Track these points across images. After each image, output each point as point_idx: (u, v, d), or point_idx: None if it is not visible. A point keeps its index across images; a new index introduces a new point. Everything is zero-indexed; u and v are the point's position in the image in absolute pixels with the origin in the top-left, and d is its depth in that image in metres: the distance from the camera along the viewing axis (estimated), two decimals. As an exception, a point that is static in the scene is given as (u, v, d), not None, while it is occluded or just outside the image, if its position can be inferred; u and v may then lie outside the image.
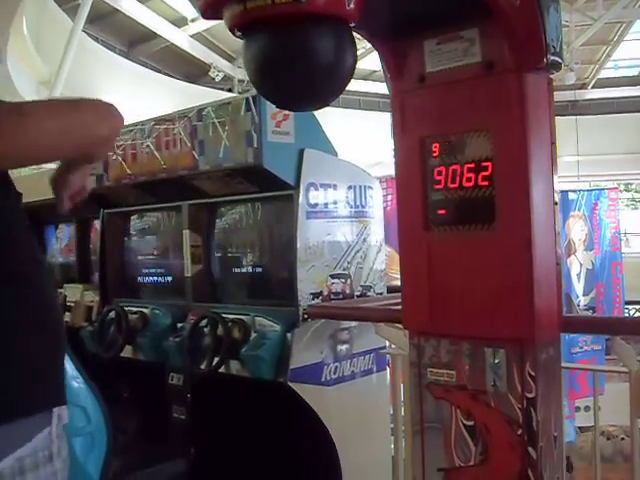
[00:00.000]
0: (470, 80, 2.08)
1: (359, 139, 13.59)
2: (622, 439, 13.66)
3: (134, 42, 17.62)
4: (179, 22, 17.08)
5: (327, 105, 1.79)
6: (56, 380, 1.55)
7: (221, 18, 1.68)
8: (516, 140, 1.99)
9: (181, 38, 17.52)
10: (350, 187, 3.38)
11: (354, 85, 17.51)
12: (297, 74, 1.63)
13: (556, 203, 2.11)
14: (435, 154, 2.17)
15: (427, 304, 2.19)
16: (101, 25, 16.07)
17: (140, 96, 13.97)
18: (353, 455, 3.24)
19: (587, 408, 8.74)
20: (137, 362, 3.87)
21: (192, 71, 19.08)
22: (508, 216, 2.01)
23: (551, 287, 2.10)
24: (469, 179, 2.09)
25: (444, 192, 2.15)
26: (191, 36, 17.70)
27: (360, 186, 3.43)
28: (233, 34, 1.69)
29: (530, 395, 2.03)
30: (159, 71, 17.77)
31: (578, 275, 10.98)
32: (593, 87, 20.74)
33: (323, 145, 3.28)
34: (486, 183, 2.05)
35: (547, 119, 2.08)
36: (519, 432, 2.04)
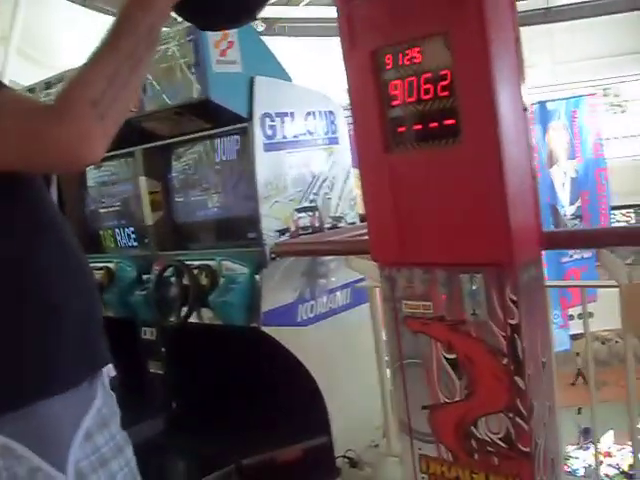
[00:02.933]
0: (421, -20, 1.86)
1: (317, 67, 13.28)
2: (616, 342, 13.79)
3: (90, -12, 17.07)
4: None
5: (255, 19, 1.57)
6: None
7: None
8: (476, 42, 1.78)
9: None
10: (309, 114, 3.17)
11: (313, 12, 17.07)
12: None
13: (525, 109, 1.91)
14: (389, 67, 1.96)
15: (395, 232, 2.02)
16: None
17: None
18: (339, 394, 3.12)
19: (580, 316, 8.67)
20: (110, 318, 3.71)
21: (153, 13, 18.53)
22: (473, 128, 1.83)
23: (527, 203, 1.93)
24: (427, 91, 1.89)
25: (402, 108, 1.95)
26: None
27: (320, 112, 3.22)
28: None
29: (513, 321, 1.87)
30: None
31: (562, 185, 10.88)
32: (565, -8, 20.32)
33: (275, 71, 3.06)
34: (446, 93, 1.86)
35: (509, 16, 1.87)
36: (504, 362, 1.90)
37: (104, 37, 1.35)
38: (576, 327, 9.25)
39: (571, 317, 10.15)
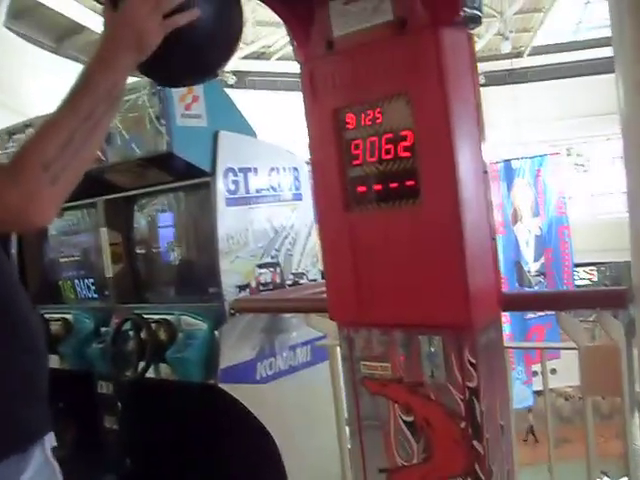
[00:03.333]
0: (382, 41, 1.88)
1: (286, 121, 13.35)
2: (579, 399, 13.81)
3: (62, 37, 17.10)
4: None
5: (216, 76, 1.57)
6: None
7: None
8: (436, 104, 1.79)
9: (110, 29, 17.06)
10: (273, 169, 3.17)
11: (284, 66, 17.26)
12: (176, 43, 1.39)
13: (485, 172, 1.91)
14: (350, 126, 1.96)
15: (353, 292, 2.00)
16: (26, 21, 15.53)
17: (71, 90, 13.52)
18: (297, 454, 3.06)
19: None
20: (66, 371, 3.63)
21: (124, 62, 18.59)
22: (433, 189, 1.82)
23: (486, 265, 1.92)
24: (388, 151, 1.89)
25: (363, 167, 1.95)
26: (120, 27, 17.26)
27: (284, 168, 3.22)
28: (97, 1, 1.45)
29: (471, 384, 1.85)
30: (90, 64, 17.30)
31: (527, 242, 11.01)
32: (529, 55, 20.76)
33: (239, 126, 3.06)
34: (407, 154, 1.86)
35: (470, 79, 1.89)
36: (462, 425, 1.87)
37: (64, 97, 1.34)
38: (540, 383, 9.26)
39: (535, 373, 10.16)
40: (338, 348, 2.86)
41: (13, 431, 1.42)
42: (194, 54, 1.44)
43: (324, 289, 2.39)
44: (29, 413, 1.47)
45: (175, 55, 1.40)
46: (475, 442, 1.85)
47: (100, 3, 1.46)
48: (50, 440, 1.49)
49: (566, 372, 4.78)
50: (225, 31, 1.47)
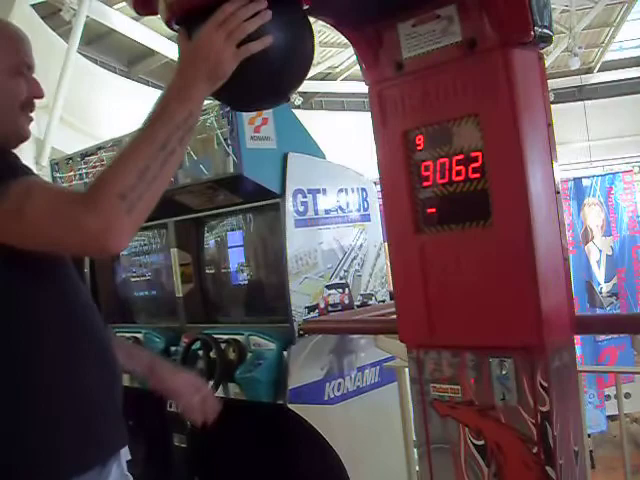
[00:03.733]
0: (452, 62, 1.87)
1: (352, 141, 13.38)
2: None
3: (133, 61, 17.52)
4: (175, 37, 16.94)
5: (288, 100, 1.59)
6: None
7: (156, 12, 1.48)
8: (507, 125, 1.78)
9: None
10: (341, 190, 3.19)
11: (350, 87, 17.33)
12: (249, 69, 1.41)
13: (558, 192, 1.89)
14: (420, 147, 1.96)
15: (423, 313, 1.98)
16: (99, 46, 15.96)
17: (143, 114, 13.80)
18: (365, 476, 3.05)
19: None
20: (137, 389, 3.69)
21: (193, 85, 18.93)
22: (505, 210, 1.80)
23: (559, 285, 1.89)
24: (459, 172, 1.89)
25: (433, 189, 1.94)
26: (189, 49, 17.59)
27: (352, 189, 3.23)
28: (171, 28, 1.49)
29: (544, 408, 1.81)
30: (161, 88, 17.65)
31: (598, 262, 10.76)
32: (599, 70, 20.43)
33: (308, 148, 3.09)
34: (478, 175, 1.85)
35: (540, 99, 1.87)
36: (535, 450, 1.83)
37: (140, 126, 1.38)
38: (612, 408, 9.01)
39: (607, 397, 9.89)
40: (406, 369, 2.84)
41: (95, 443, 1.48)
42: (267, 79, 1.46)
43: (393, 310, 2.39)
44: (108, 426, 1.52)
45: (248, 80, 1.42)
46: (548, 468, 1.82)
47: (171, 29, 1.50)
48: (125, 454, 1.54)
49: (640, 396, 4.65)
50: (297, 55, 1.49)
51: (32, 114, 1.63)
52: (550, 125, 1.88)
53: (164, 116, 1.37)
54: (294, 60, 1.48)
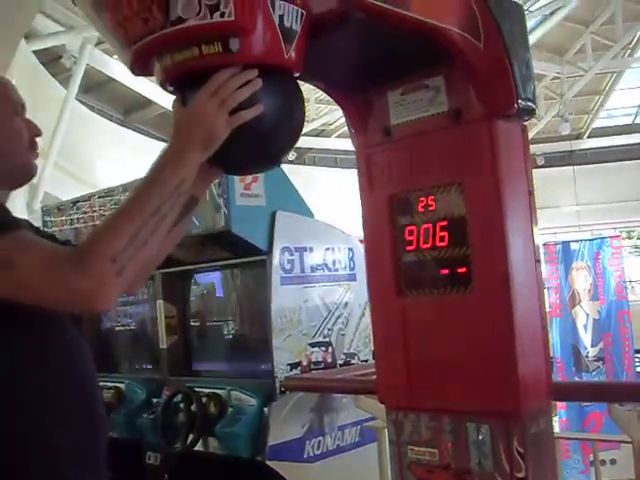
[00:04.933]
0: (438, 131, 1.92)
1: (343, 198, 13.47)
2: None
3: (130, 110, 17.68)
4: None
5: (279, 165, 1.63)
6: None
7: (152, 74, 1.53)
8: (489, 193, 1.82)
9: (175, 103, 17.54)
10: (328, 249, 3.22)
11: (343, 144, 17.49)
12: (241, 135, 1.45)
13: (537, 260, 1.92)
14: (405, 212, 2.00)
15: (403, 376, 2.00)
16: (96, 94, 16.13)
17: (138, 163, 13.86)
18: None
19: (602, 462, 8.40)
20: (116, 440, 3.66)
21: (189, 136, 19.05)
22: (486, 277, 1.83)
23: (537, 352, 1.91)
24: (442, 238, 1.92)
25: (417, 253, 1.98)
26: (184, 101, 17.76)
27: (339, 248, 3.26)
28: (165, 90, 1.54)
29: (520, 475, 1.82)
30: (157, 138, 17.80)
31: (585, 326, 10.77)
32: (589, 137, 20.74)
33: (297, 206, 3.13)
34: (460, 242, 1.88)
35: (523, 168, 1.92)
36: (510, 517, 1.83)
37: (134, 190, 1.41)
38: (601, 474, 8.94)
39: (592, 463, 9.82)
40: (386, 430, 2.85)
41: None
42: (258, 145, 1.50)
43: (374, 370, 2.41)
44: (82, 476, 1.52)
45: (240, 146, 1.46)
46: (523, 536, 1.82)
47: (165, 90, 1.55)
48: None
49: (627, 462, 4.63)
50: (288, 122, 1.53)
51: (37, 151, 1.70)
52: (531, 194, 1.92)
53: (157, 182, 1.40)
54: (285, 126, 1.52)
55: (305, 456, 3.01)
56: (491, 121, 1.83)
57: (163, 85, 1.52)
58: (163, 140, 17.74)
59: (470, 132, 1.86)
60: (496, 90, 1.82)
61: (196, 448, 3.12)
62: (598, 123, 20.79)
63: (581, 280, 10.64)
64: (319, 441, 3.07)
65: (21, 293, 1.34)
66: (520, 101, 1.83)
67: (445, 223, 1.92)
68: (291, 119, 1.54)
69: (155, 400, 3.49)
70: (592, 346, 10.69)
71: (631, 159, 19.22)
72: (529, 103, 1.87)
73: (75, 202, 3.96)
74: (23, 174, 1.66)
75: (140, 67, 1.54)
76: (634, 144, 19.61)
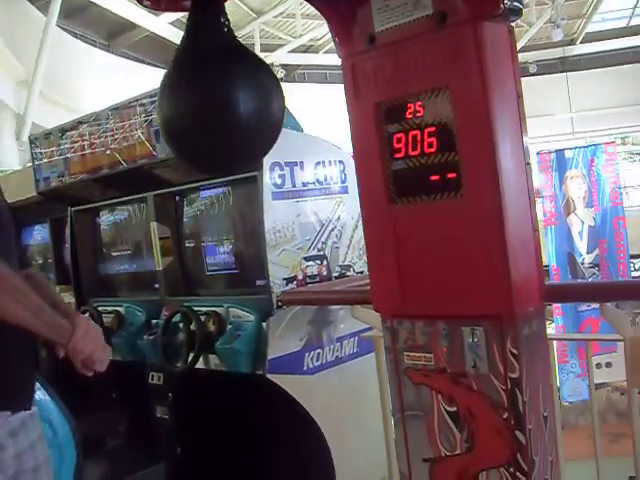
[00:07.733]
0: (423, 35, 1.89)
1: (335, 114, 13.29)
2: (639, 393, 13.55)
3: (113, 34, 17.32)
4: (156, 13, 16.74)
5: (257, 163, 1.65)
6: None
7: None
8: (477, 97, 1.80)
9: (160, 26, 17.19)
10: (318, 163, 3.20)
11: (332, 59, 17.24)
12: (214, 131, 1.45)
13: (528, 163, 1.92)
14: (393, 119, 1.98)
15: (397, 284, 2.02)
16: (78, 20, 15.76)
17: (123, 88, 13.67)
18: (345, 444, 3.10)
19: (599, 365, 8.57)
20: (119, 362, 3.72)
21: (175, 58, 18.74)
22: (475, 181, 1.83)
23: (529, 255, 1.93)
24: (431, 144, 1.91)
25: (405, 161, 1.97)
26: (170, 23, 17.39)
27: (329, 161, 3.24)
28: (141, 4, 1.50)
29: (514, 375, 1.86)
30: (142, 61, 17.49)
31: (580, 233, 10.82)
32: (582, 42, 20.41)
33: (286, 121, 3.09)
34: (449, 147, 1.87)
35: (510, 71, 1.89)
36: (505, 415, 1.88)
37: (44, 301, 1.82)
38: (595, 377, 9.12)
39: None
40: (382, 338, 2.89)
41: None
42: (235, 149, 1.51)
43: (368, 281, 2.42)
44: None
45: (218, 152, 1.48)
46: (517, 432, 1.87)
47: (141, 4, 1.52)
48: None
49: (622, 365, 4.72)
50: (267, 123, 1.54)
51: None
52: (520, 97, 1.90)
53: (52, 321, 1.80)
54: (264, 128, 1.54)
55: (305, 368, 3.06)
56: (477, 23, 1.80)
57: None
58: (148, 63, 17.45)
59: (456, 35, 1.83)
60: (481, -11, 1.78)
61: (197, 366, 3.17)
62: (591, 28, 20.43)
63: (575, 188, 10.63)
64: (318, 353, 3.12)
65: None
66: (506, 1, 1.80)
67: (433, 129, 1.90)
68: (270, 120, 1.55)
69: (154, 321, 3.53)
70: (587, 253, 10.76)
71: (625, 63, 18.96)
72: (515, 3, 1.83)
73: (64, 130, 3.90)
74: None
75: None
76: (629, 48, 19.32)
